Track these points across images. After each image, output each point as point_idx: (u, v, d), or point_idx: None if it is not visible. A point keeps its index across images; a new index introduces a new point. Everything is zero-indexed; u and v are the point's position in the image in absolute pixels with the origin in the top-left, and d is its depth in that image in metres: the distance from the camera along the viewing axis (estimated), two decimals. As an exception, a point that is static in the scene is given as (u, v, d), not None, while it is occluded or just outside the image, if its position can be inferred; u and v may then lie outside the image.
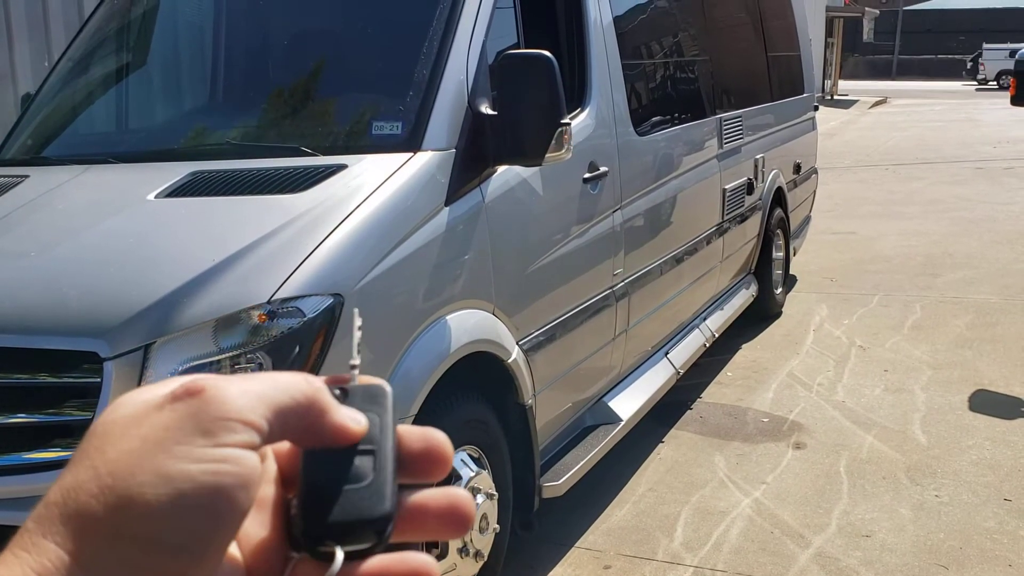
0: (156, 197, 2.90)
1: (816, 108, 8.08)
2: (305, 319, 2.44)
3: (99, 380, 2.35)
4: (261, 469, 0.48)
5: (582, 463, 3.68)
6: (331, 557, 0.48)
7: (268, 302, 2.42)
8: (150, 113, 3.91)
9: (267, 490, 0.51)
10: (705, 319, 5.48)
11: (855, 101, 32.49)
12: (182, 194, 2.90)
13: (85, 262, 2.69)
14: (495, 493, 3.12)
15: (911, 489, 4.09)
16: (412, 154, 2.95)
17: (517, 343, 3.25)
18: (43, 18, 6.22)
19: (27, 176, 3.31)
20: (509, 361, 3.17)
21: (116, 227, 2.87)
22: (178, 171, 3.02)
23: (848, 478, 4.21)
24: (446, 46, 3.10)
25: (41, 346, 2.43)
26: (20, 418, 2.45)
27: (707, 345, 5.34)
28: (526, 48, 3.46)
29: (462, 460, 2.99)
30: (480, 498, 3.01)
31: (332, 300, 2.50)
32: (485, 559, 3.08)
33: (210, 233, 2.70)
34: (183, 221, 2.80)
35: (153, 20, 4.03)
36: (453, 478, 2.94)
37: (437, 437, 0.53)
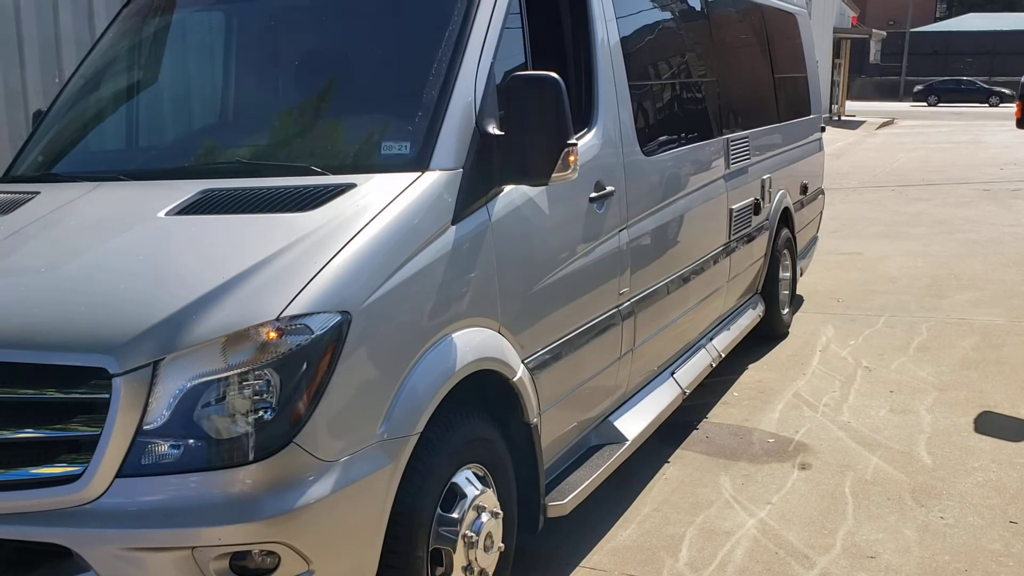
0: (166, 215, 2.93)
1: (823, 129, 8.11)
2: (313, 336, 2.46)
3: (107, 396, 2.36)
4: None
5: (587, 482, 3.68)
6: None
7: (277, 319, 2.43)
8: (161, 131, 3.93)
9: None
10: (712, 339, 5.48)
11: (862, 122, 32.54)
12: (192, 212, 2.92)
13: (95, 279, 2.71)
14: (500, 512, 3.12)
15: (916, 510, 4.08)
16: (420, 173, 2.97)
17: (523, 361, 3.26)
18: (54, 35, 6.28)
19: (38, 192, 3.34)
20: (514, 379, 3.18)
21: (126, 244, 2.89)
22: (188, 189, 3.05)
23: (853, 499, 4.21)
24: (455, 68, 3.12)
25: (50, 362, 2.44)
26: (28, 433, 2.46)
27: (713, 365, 5.34)
28: (534, 68, 3.49)
29: (467, 478, 2.99)
30: (485, 516, 3.01)
31: (340, 317, 2.52)
32: (490, 578, 3.08)
33: (219, 251, 2.71)
34: (193, 239, 2.82)
35: (164, 39, 4.06)
36: (458, 496, 2.95)
37: None
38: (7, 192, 3.45)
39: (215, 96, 4.03)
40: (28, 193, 3.34)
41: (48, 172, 3.69)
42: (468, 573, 2.97)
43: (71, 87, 4.02)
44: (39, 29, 6.16)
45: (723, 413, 5.36)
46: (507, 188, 3.22)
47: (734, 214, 5.54)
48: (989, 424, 5.07)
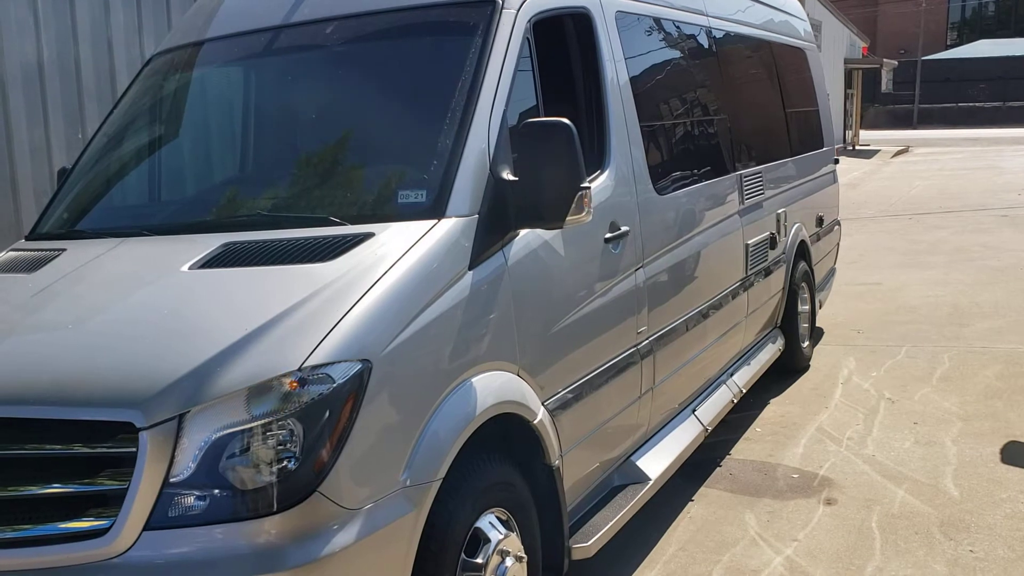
0: (189, 268, 2.98)
1: (836, 161, 8.13)
2: (335, 385, 2.49)
3: (134, 450, 2.40)
4: None
5: (611, 523, 3.67)
6: None
7: (299, 369, 2.46)
8: (182, 186, 4.01)
9: None
10: (732, 374, 5.47)
11: (877, 151, 32.51)
12: (215, 265, 2.97)
13: (120, 334, 2.76)
14: (524, 555, 3.12)
15: (945, 544, 4.04)
16: (436, 221, 3.01)
17: (543, 403, 3.28)
18: (77, 93, 6.43)
19: (64, 249, 3.41)
20: (535, 422, 3.19)
21: (150, 299, 2.94)
22: (210, 243, 3.10)
23: (880, 534, 4.17)
24: (468, 115, 3.18)
25: (77, 417, 2.48)
26: (55, 488, 2.48)
27: (735, 401, 5.33)
28: (545, 111, 3.55)
29: (490, 523, 3.00)
30: (509, 561, 3.01)
31: (361, 366, 2.55)
32: (515, 622, 3.07)
33: (242, 303, 2.76)
34: (216, 292, 2.87)
35: (184, 95, 4.15)
36: (482, 541, 2.95)
37: None
38: (34, 250, 3.52)
39: (235, 150, 4.11)
40: (54, 250, 3.41)
41: (73, 229, 3.76)
42: (494, 618, 2.96)
43: (94, 144, 4.11)
44: (62, 87, 6.31)
45: (746, 449, 5.33)
46: (523, 232, 3.26)
47: (750, 249, 5.56)
48: (1016, 454, 5.02)
